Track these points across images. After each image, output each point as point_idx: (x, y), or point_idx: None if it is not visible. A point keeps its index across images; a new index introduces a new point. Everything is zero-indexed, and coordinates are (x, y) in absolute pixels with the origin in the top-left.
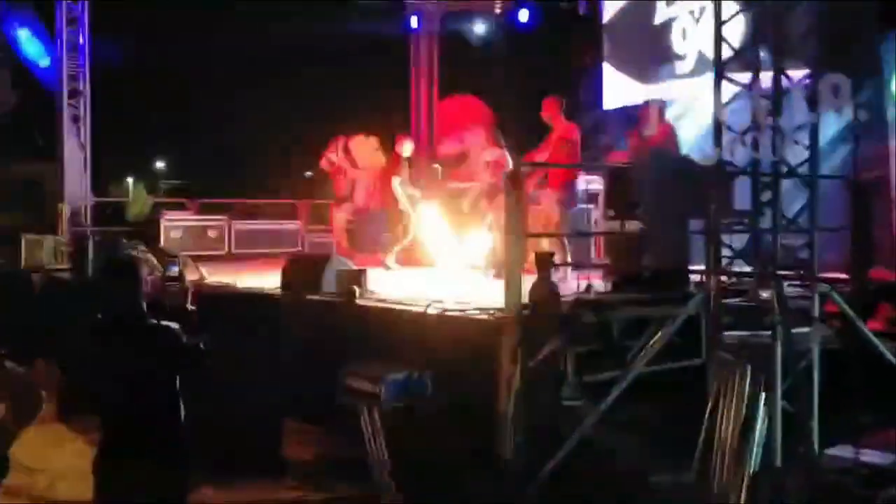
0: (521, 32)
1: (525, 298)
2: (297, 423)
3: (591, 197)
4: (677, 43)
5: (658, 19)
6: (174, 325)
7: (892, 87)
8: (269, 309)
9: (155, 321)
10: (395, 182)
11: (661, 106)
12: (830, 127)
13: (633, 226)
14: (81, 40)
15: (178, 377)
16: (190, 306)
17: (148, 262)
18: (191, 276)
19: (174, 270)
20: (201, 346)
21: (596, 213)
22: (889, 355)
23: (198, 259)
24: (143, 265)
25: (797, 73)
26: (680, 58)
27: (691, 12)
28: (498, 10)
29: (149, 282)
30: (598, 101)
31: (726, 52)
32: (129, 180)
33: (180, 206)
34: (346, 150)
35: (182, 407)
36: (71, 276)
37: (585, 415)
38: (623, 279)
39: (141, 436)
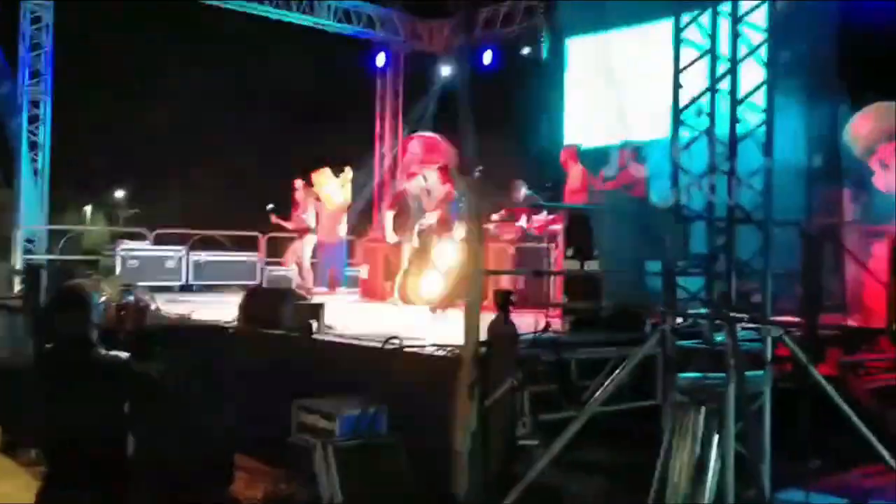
0: (484, 73)
1: (483, 336)
2: (249, 459)
3: (551, 236)
4: (639, 88)
5: (619, 64)
6: (123, 355)
7: (847, 134)
8: (225, 342)
9: (104, 351)
10: (389, 216)
11: (636, 150)
12: (786, 172)
13: (591, 266)
14: (44, 67)
15: (126, 408)
16: (142, 335)
17: (102, 292)
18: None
19: (129, 300)
20: (152, 375)
21: (555, 252)
22: (839, 400)
23: (154, 290)
24: (95, 294)
25: (753, 120)
26: (642, 103)
27: (653, 59)
28: (464, 51)
29: (100, 311)
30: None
31: (684, 98)
32: (88, 209)
33: (138, 236)
34: (310, 183)
35: (130, 439)
36: (22, 304)
37: (541, 455)
38: (581, 319)
39: (86, 469)
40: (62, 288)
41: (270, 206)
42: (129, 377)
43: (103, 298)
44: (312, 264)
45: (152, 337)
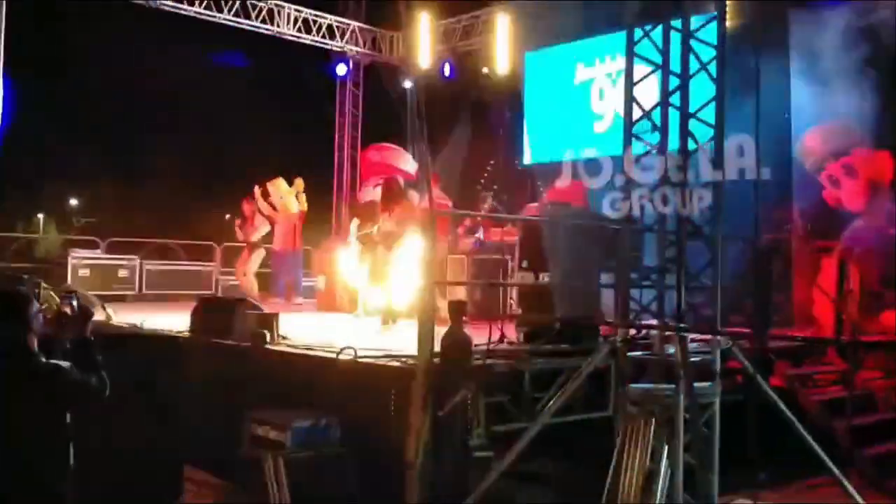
0: (445, 85)
1: (437, 347)
2: (198, 471)
3: (507, 248)
4: (595, 103)
5: (577, 80)
6: (64, 364)
7: (798, 150)
8: (174, 351)
9: (44, 360)
10: (353, 224)
11: (576, 163)
12: (735, 186)
13: (546, 277)
14: None
15: (67, 420)
16: (85, 343)
17: (47, 299)
18: (96, 316)
19: (70, 305)
20: (93, 381)
21: (511, 263)
22: (787, 412)
23: (106, 299)
24: (35, 301)
25: (704, 134)
26: (598, 117)
27: (608, 74)
28: (424, 64)
29: (41, 318)
30: (519, 156)
31: (637, 113)
32: (40, 217)
33: (90, 245)
34: (266, 194)
35: (72, 452)
36: None
37: (494, 465)
38: (535, 330)
39: (25, 483)
40: None
41: (227, 216)
42: (71, 386)
43: (43, 306)
44: (268, 274)
45: (95, 345)
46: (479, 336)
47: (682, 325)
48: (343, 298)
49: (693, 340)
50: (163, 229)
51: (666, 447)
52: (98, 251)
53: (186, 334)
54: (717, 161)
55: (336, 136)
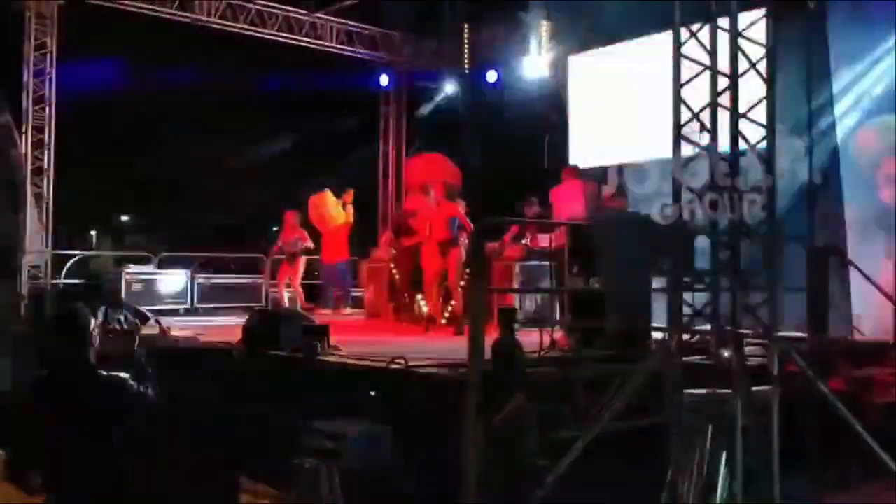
0: (488, 92)
1: (488, 354)
2: (254, 482)
3: (554, 254)
4: (640, 105)
5: (621, 82)
6: (123, 375)
7: (851, 148)
8: (228, 364)
9: (104, 373)
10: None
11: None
12: (786, 187)
13: (596, 282)
14: (47, 92)
15: (126, 432)
16: (133, 357)
17: (102, 315)
18: (150, 330)
19: (119, 319)
20: (150, 393)
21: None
22: (848, 415)
23: (160, 313)
24: (92, 317)
25: (754, 135)
26: (643, 120)
27: (653, 75)
28: (467, 70)
29: (99, 334)
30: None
31: (685, 115)
32: (93, 234)
33: (144, 260)
34: (315, 205)
35: (131, 462)
36: (27, 330)
37: (548, 474)
38: (587, 336)
39: (87, 492)
40: (59, 312)
41: (275, 228)
42: (130, 398)
43: (101, 321)
44: (317, 286)
45: (148, 359)
46: (529, 343)
47: (737, 328)
48: (391, 307)
49: (749, 344)
50: (212, 242)
51: (724, 452)
52: (151, 266)
53: (240, 347)
54: (769, 162)
55: (381, 147)
